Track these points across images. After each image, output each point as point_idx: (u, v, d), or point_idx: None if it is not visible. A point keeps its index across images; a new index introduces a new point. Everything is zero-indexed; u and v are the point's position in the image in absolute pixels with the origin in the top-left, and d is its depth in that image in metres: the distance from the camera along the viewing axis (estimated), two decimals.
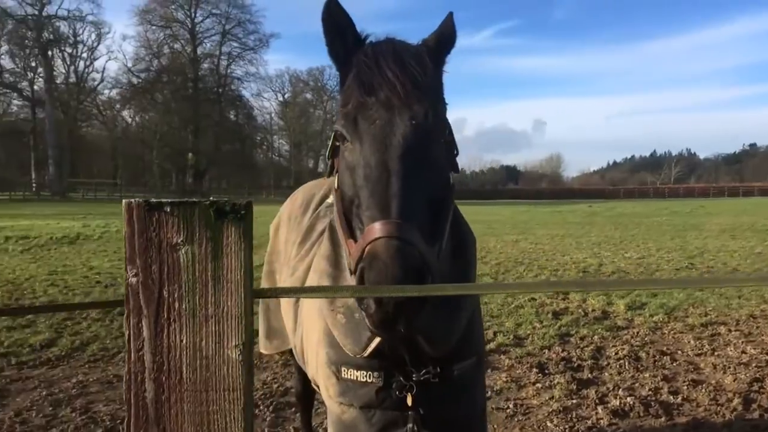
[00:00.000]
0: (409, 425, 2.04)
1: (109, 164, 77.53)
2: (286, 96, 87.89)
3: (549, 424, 4.57)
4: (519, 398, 5.12)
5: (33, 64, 68.06)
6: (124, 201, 0.87)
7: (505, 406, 4.92)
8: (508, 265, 13.40)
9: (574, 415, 4.71)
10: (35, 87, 68.47)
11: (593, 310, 8.37)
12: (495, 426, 4.56)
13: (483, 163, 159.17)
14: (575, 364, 6.06)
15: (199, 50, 75.70)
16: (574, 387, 5.32)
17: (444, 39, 1.86)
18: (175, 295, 0.87)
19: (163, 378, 0.87)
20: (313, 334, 2.25)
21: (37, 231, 19.90)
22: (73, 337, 6.94)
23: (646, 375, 5.70)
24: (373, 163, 1.51)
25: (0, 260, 13.55)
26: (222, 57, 76.72)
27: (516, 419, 4.68)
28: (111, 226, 22.44)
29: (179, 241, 0.86)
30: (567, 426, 4.52)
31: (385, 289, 1.11)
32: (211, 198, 0.90)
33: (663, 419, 4.65)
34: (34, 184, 61.57)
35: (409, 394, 1.99)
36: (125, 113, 78.20)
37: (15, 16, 64.33)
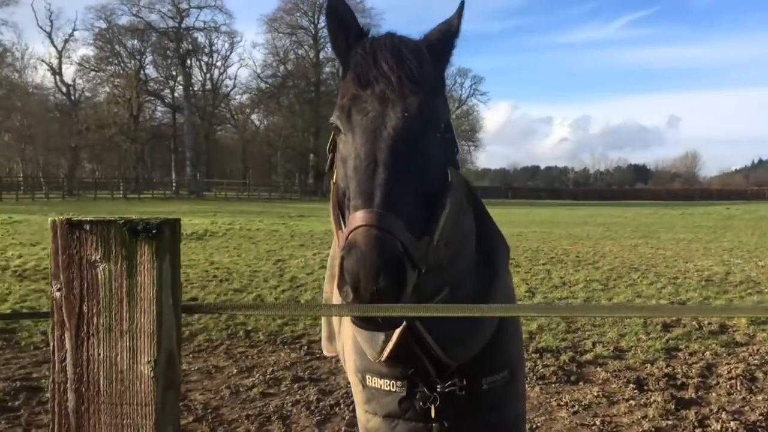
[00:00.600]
0: None
1: (240, 165, 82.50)
2: None
3: None
4: (608, 415, 4.82)
5: (173, 73, 73.84)
6: (49, 219, 0.93)
7: (591, 423, 4.65)
8: (622, 271, 12.67)
9: None
10: (175, 94, 74.26)
11: (709, 323, 7.70)
12: None
13: (609, 162, 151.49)
14: (679, 382, 5.61)
15: (321, 55, 78.47)
16: (673, 406, 4.92)
17: (448, 33, 1.82)
18: (94, 311, 0.90)
19: (83, 389, 0.91)
20: (348, 340, 2.26)
21: None
22: (184, 328, 7.46)
23: (759, 398, 5.16)
24: (362, 154, 1.52)
25: None
26: None
27: None
28: (235, 224, 23.87)
29: (97, 258, 0.90)
30: None
31: (328, 308, 1.09)
32: (131, 217, 0.93)
33: None
34: (174, 184, 66.79)
35: (433, 405, 1.95)
36: (254, 117, 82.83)
37: (158, 29, 70.18)
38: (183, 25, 71.55)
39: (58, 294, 0.91)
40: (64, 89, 71.14)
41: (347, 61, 1.74)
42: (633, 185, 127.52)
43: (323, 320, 3.36)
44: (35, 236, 18.41)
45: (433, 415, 1.96)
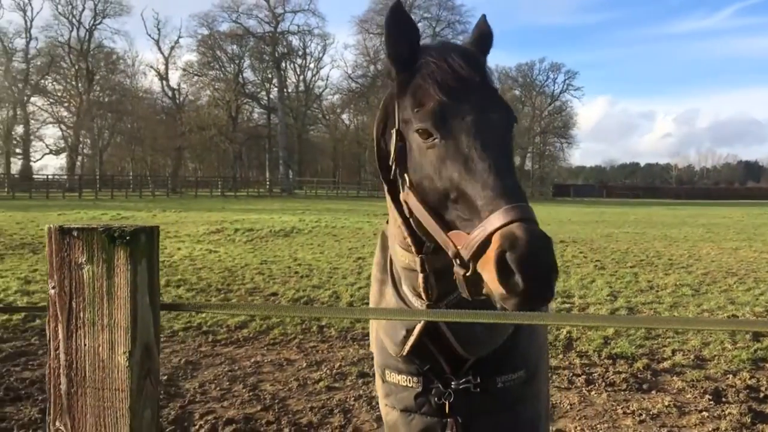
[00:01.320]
0: None
1: (331, 164, 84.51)
2: None
3: None
4: (677, 425, 4.62)
5: (269, 75, 76.64)
6: (46, 226, 1.07)
7: None
8: (717, 275, 11.94)
9: None
10: (271, 96, 77.07)
11: None
12: None
13: (716, 158, 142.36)
14: (761, 395, 5.27)
15: None
16: (749, 420, 4.64)
17: (484, 42, 1.88)
18: (81, 306, 1.04)
19: (73, 374, 1.04)
20: (372, 337, 2.36)
21: (261, 224, 22.49)
22: (263, 321, 7.80)
23: None
24: (476, 155, 1.54)
25: (226, 249, 15.61)
26: None
27: None
28: (322, 221, 24.52)
29: (83, 260, 1.03)
30: None
31: (292, 309, 1.18)
32: (112, 224, 1.05)
33: None
34: (268, 183, 69.40)
35: (447, 401, 2.01)
36: (344, 116, 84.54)
37: (255, 34, 73.11)
38: (278, 30, 74.14)
39: (53, 291, 1.05)
40: (170, 93, 75.73)
41: (411, 69, 1.74)
42: (743, 183, 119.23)
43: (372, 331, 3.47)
44: None
45: (447, 410, 2.02)
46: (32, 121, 67.24)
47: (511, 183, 1.49)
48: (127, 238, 1.01)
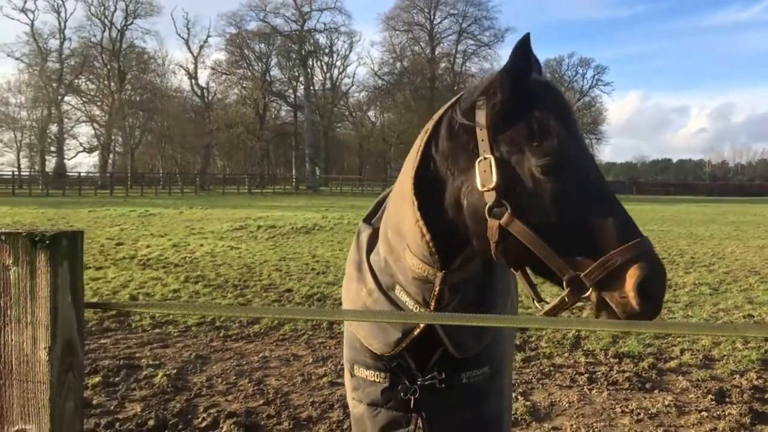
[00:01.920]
0: (411, 427, 2.12)
1: (356, 161, 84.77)
2: None
3: None
4: (674, 425, 4.59)
5: (296, 73, 77.21)
6: None
7: None
8: (739, 274, 11.73)
9: None
10: (297, 94, 77.65)
11: None
12: None
13: (752, 154, 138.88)
14: (767, 395, 5.20)
15: (437, 51, 78.64)
16: (748, 420, 4.59)
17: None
18: (8, 305, 1.13)
19: (1, 367, 1.14)
20: (345, 333, 2.42)
21: (284, 221, 22.73)
22: (274, 318, 7.95)
23: None
24: (602, 192, 1.69)
25: (248, 245, 15.85)
26: (458, 55, 78.76)
27: None
28: (344, 219, 24.66)
29: (9, 263, 1.13)
30: None
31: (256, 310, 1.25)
32: (36, 228, 1.14)
33: None
34: (294, 180, 70.03)
35: (412, 397, 2.07)
36: (370, 114, 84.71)
37: (282, 33, 73.71)
38: (305, 28, 74.63)
39: None
40: (198, 92, 76.83)
41: (521, 98, 1.75)
42: None
43: None
44: (165, 228, 20.18)
45: (412, 406, 2.09)
46: (66, 120, 69.02)
47: (628, 218, 1.65)
48: (47, 242, 1.10)
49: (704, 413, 4.79)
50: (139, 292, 9.53)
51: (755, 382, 5.51)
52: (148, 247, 15.02)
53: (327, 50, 79.39)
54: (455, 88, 77.72)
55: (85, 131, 78.46)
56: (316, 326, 7.53)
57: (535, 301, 1.76)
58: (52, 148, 69.02)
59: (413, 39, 79.34)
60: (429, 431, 2.12)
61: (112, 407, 4.98)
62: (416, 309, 1.97)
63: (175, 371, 5.84)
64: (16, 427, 1.13)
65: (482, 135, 1.76)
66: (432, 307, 1.94)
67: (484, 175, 1.72)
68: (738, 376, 5.71)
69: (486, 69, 79.14)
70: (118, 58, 69.71)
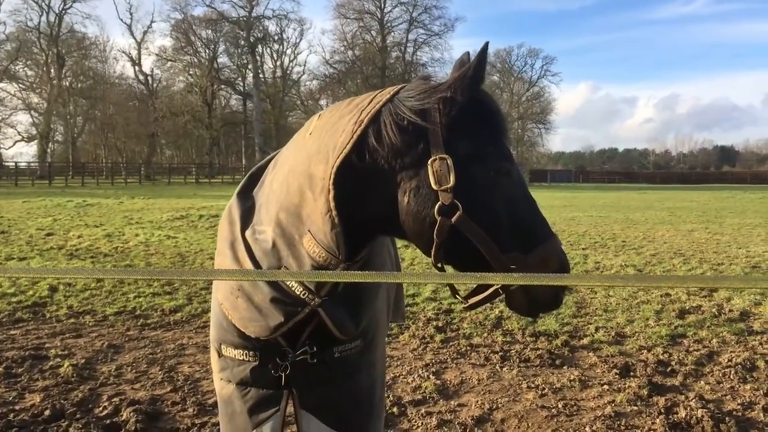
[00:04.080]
0: (282, 404, 2.09)
1: None
2: None
3: (588, 429, 4.14)
4: (575, 398, 4.70)
5: (245, 61, 75.85)
6: None
7: (553, 405, 4.56)
8: (665, 256, 12.14)
9: (623, 423, 4.22)
10: (247, 82, 76.35)
11: (731, 311, 7.30)
12: (529, 425, 4.25)
13: (693, 144, 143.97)
14: (668, 369, 5.38)
15: (388, 39, 78.47)
16: (646, 393, 4.74)
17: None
18: None
19: None
20: (213, 312, 2.32)
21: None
22: (200, 305, 7.78)
23: (747, 387, 4.88)
24: (528, 196, 1.85)
25: (186, 235, 15.51)
26: (408, 44, 78.79)
27: (556, 420, 4.32)
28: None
29: None
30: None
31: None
32: None
33: None
34: (244, 170, 68.93)
35: (283, 374, 2.03)
36: (322, 102, 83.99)
37: (230, 19, 72.24)
38: (254, 14, 73.30)
39: None
40: (143, 79, 74.65)
41: (473, 101, 1.78)
42: (719, 168, 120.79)
43: None
44: (101, 218, 19.56)
45: (283, 382, 2.05)
46: (2, 108, 65.99)
47: (544, 218, 1.85)
48: None
49: (606, 387, 4.92)
50: (60, 282, 9.20)
51: (660, 357, 5.69)
52: (79, 237, 14.53)
53: (277, 37, 78.25)
54: (406, 77, 77.91)
55: (23, 119, 75.31)
56: None
57: (458, 295, 1.86)
58: None
59: (364, 27, 78.99)
60: (300, 407, 2.10)
61: (10, 398, 4.78)
62: (304, 295, 1.90)
63: (83, 361, 5.65)
64: None
65: (435, 135, 1.73)
66: (323, 294, 1.89)
67: (439, 175, 1.70)
68: (646, 351, 5.89)
69: (437, 58, 79.58)
70: (57, 43, 67.04)
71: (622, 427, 4.17)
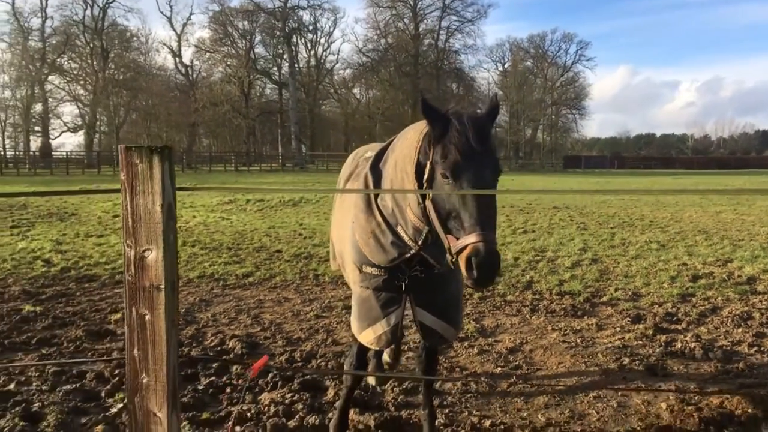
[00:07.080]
0: (403, 302, 3.27)
1: (342, 138, 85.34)
2: (506, 66, 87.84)
3: (600, 355, 5.16)
4: (591, 337, 5.71)
5: (280, 51, 77.24)
6: (120, 146, 2.14)
7: (572, 341, 5.58)
8: (689, 234, 12.91)
9: (628, 351, 5.23)
10: (282, 71, 77.79)
11: (739, 275, 8.17)
12: (552, 353, 5.29)
13: (734, 128, 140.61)
14: (674, 318, 6.33)
15: (421, 27, 78.92)
16: (651, 332, 5.72)
17: (493, 113, 2.90)
18: (138, 183, 2.13)
19: (136, 217, 2.14)
20: (345, 246, 3.47)
21: (272, 195, 23.61)
22: (267, 271, 8.98)
23: (739, 330, 5.82)
24: (470, 197, 2.56)
25: (238, 217, 16.81)
26: (441, 32, 79.20)
27: (574, 350, 5.35)
28: (330, 194, 25.59)
29: (138, 162, 2.12)
30: (614, 357, 5.08)
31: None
32: None
33: (713, 363, 4.94)
34: (280, 157, 70.58)
35: (403, 283, 3.18)
36: (355, 91, 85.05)
37: (266, 10, 73.63)
38: (288, 5, 74.50)
39: (123, 177, 2.14)
40: (183, 70, 76.78)
41: (442, 126, 2.74)
42: (760, 153, 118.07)
43: (330, 247, 4.59)
44: None
45: (403, 289, 3.20)
46: (50, 99, 68.77)
47: (486, 216, 2.50)
48: (158, 150, 2.10)
49: (618, 329, 5.92)
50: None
51: (669, 310, 6.64)
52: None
53: (311, 27, 79.28)
54: (438, 64, 78.39)
55: (69, 110, 78.22)
56: (304, 277, 8.58)
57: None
58: (37, 128, 68.91)
59: (397, 15, 79.51)
60: (415, 304, 3.25)
61: None
62: (410, 243, 3.03)
63: (183, 311, 6.86)
64: (144, 247, 2.14)
65: (429, 147, 2.82)
66: (420, 244, 3.00)
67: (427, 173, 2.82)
68: (657, 306, 6.84)
69: (469, 45, 79.78)
70: (101, 36, 69.40)
71: (627, 354, 5.18)
